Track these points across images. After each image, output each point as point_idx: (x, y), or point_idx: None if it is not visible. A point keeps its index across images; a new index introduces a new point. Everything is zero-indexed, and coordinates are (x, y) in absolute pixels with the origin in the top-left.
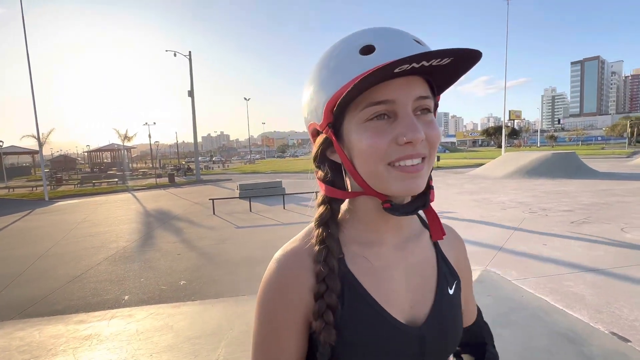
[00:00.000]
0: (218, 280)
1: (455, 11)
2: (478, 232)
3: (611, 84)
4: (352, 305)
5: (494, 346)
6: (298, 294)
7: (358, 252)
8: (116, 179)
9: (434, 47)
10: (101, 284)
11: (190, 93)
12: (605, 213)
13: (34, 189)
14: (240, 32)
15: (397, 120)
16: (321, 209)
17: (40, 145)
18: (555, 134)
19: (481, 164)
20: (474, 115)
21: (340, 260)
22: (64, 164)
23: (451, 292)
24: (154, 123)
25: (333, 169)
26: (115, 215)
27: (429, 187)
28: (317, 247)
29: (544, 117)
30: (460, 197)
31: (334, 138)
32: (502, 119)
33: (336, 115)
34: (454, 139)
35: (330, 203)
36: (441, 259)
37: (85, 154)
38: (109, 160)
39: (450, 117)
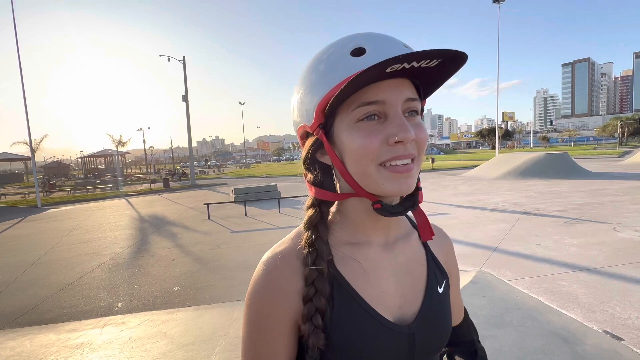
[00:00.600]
0: (213, 285)
1: (447, 15)
2: (472, 233)
3: (601, 85)
4: (342, 307)
5: (479, 341)
6: (286, 297)
7: (347, 253)
8: (110, 185)
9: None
10: (94, 291)
11: (185, 98)
12: (598, 212)
13: (27, 195)
14: (235, 36)
15: (387, 120)
16: (310, 211)
17: (33, 151)
18: (548, 135)
19: (475, 166)
20: (468, 117)
21: (330, 262)
22: (57, 170)
23: (440, 290)
24: (148, 128)
25: (322, 171)
26: (109, 222)
27: (417, 189)
28: (306, 250)
29: (536, 119)
30: (455, 199)
31: (325, 139)
32: (496, 121)
33: (327, 116)
34: (448, 141)
35: (320, 205)
36: (431, 258)
37: (79, 160)
38: (103, 166)
39: (444, 119)
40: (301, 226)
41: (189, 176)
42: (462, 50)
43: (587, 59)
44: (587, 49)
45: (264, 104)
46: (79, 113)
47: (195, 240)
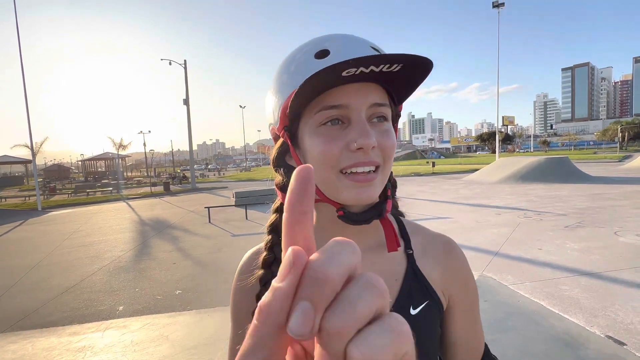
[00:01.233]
0: (214, 289)
1: (447, 19)
2: (474, 237)
3: (601, 90)
4: None
5: None
6: (245, 292)
7: None
8: (110, 188)
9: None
10: (95, 294)
11: (186, 101)
12: (599, 217)
13: (27, 198)
14: (237, 40)
15: (350, 126)
16: (273, 216)
17: (34, 154)
18: (548, 139)
19: (476, 170)
20: (468, 121)
21: None
22: (57, 173)
23: (414, 312)
24: (149, 131)
25: (290, 175)
26: (109, 225)
27: (386, 197)
28: (264, 254)
29: (536, 123)
30: (456, 203)
31: (289, 142)
32: (496, 125)
33: (291, 119)
34: (448, 145)
35: (278, 210)
36: (411, 273)
37: (79, 163)
38: (104, 169)
39: (444, 123)
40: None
41: (190, 179)
42: (423, 56)
43: (587, 64)
44: (587, 53)
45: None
46: (79, 116)
47: (196, 244)
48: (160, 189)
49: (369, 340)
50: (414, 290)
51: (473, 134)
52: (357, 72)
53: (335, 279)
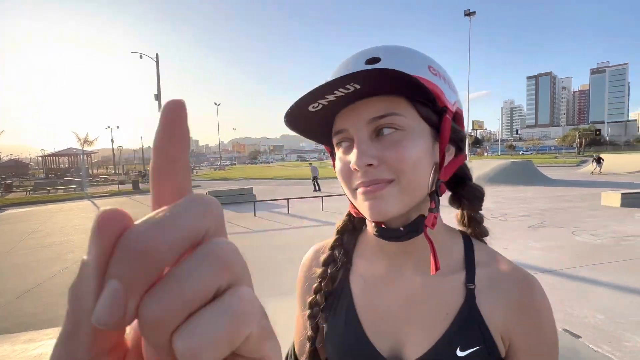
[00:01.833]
0: None
1: (419, 27)
2: None
3: (562, 98)
4: (338, 317)
5: None
6: (304, 282)
7: (362, 267)
8: (74, 186)
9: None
10: (55, 298)
11: (157, 97)
12: (559, 217)
13: None
14: (211, 35)
15: (353, 146)
16: (343, 219)
17: None
18: (514, 143)
19: None
20: None
21: (347, 269)
22: (14, 170)
23: (461, 354)
24: (117, 127)
25: None
26: (72, 224)
27: (430, 210)
28: (326, 252)
29: (503, 127)
30: None
31: (332, 160)
32: (466, 129)
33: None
34: None
35: (351, 215)
36: (467, 310)
37: (40, 158)
38: (67, 165)
39: None
40: None
41: None
42: (365, 69)
43: (549, 73)
44: (550, 63)
45: (241, 105)
46: (41, 108)
47: None
48: (128, 187)
49: (198, 329)
50: (465, 331)
51: None
52: (334, 99)
53: (160, 249)
